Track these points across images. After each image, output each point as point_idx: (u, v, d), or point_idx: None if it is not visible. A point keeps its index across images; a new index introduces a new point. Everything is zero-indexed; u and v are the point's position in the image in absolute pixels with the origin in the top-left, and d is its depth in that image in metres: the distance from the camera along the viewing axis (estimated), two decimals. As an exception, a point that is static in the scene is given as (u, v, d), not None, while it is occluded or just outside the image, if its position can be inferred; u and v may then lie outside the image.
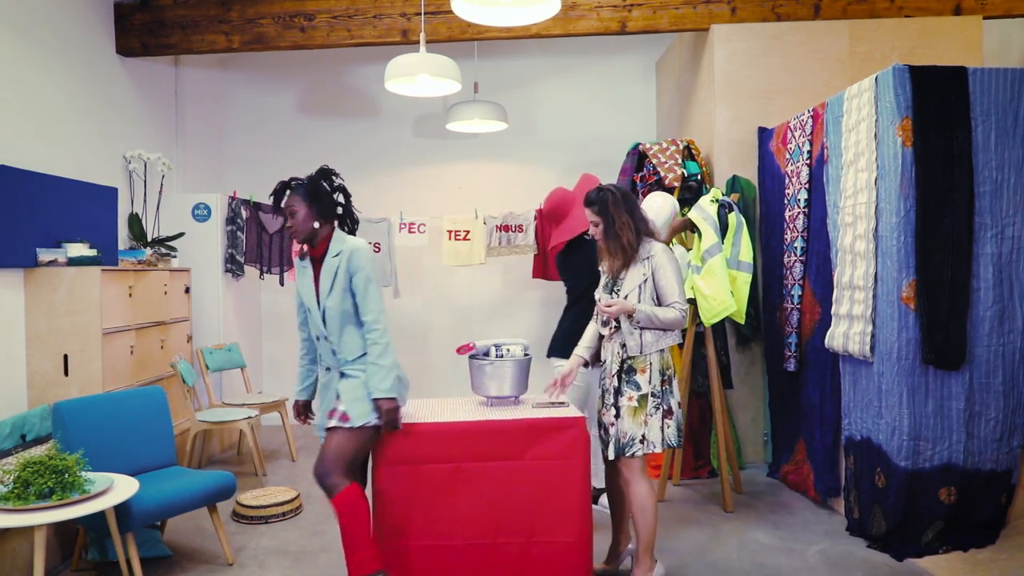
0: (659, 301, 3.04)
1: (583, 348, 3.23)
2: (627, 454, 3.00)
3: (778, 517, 4.01)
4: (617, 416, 3.03)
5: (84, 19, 4.80)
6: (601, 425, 3.11)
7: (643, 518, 3.03)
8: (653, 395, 3.00)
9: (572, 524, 2.93)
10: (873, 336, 3.53)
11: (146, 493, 3.13)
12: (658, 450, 3.00)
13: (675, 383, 3.07)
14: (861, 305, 3.60)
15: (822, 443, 4.13)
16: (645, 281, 3.03)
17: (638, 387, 3.01)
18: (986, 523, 3.50)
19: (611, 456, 3.04)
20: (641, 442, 2.98)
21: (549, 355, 3.82)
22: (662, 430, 3.00)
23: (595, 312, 3.17)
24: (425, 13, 4.93)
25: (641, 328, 3.00)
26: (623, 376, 3.03)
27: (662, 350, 3.04)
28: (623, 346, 3.03)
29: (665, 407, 3.02)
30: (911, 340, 3.41)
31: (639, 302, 3.00)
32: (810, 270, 4.23)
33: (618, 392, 3.04)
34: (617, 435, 3.02)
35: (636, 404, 3.00)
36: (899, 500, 3.43)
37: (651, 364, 3.01)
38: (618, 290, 3.07)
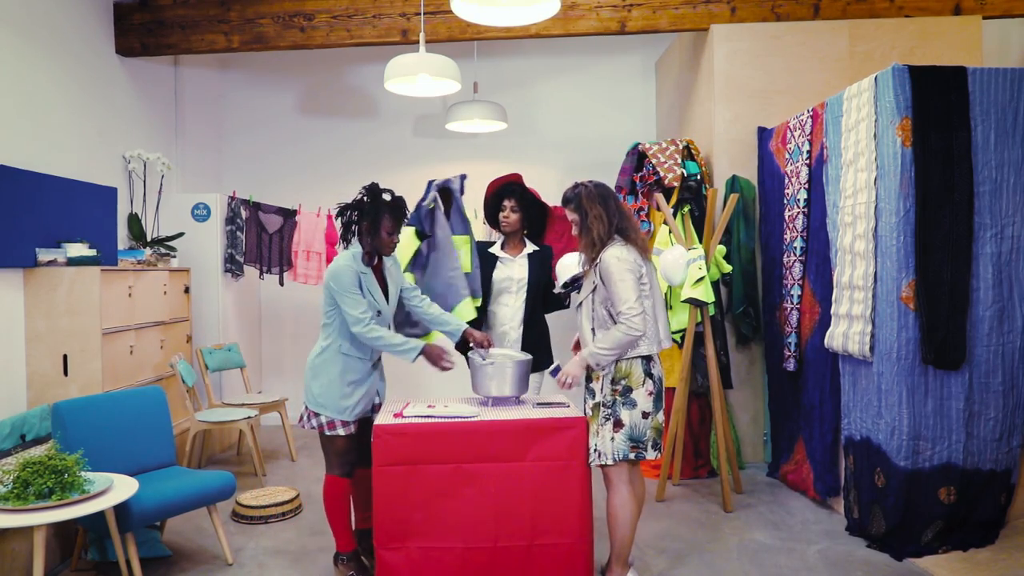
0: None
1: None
2: (588, 462, 2.97)
3: (778, 517, 4.01)
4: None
5: (83, 19, 4.79)
6: None
7: (617, 528, 2.99)
8: (604, 404, 2.94)
9: (573, 525, 2.93)
10: (873, 336, 3.53)
11: (145, 493, 3.13)
12: (608, 462, 2.92)
13: (637, 393, 2.92)
14: (861, 305, 3.60)
15: (822, 443, 4.13)
16: (595, 289, 2.95)
17: (592, 395, 2.98)
18: (986, 523, 3.50)
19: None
20: (596, 453, 2.94)
21: None
22: (611, 441, 2.92)
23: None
24: (425, 13, 4.93)
25: (603, 360, 2.89)
26: (585, 383, 3.03)
27: (620, 359, 2.92)
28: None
29: (615, 418, 2.92)
30: (911, 340, 3.41)
31: (592, 311, 2.95)
32: (810, 270, 4.23)
33: (584, 399, 3.04)
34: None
35: (591, 413, 2.97)
36: (899, 500, 3.43)
37: (603, 372, 2.94)
38: (577, 300, 3.07)
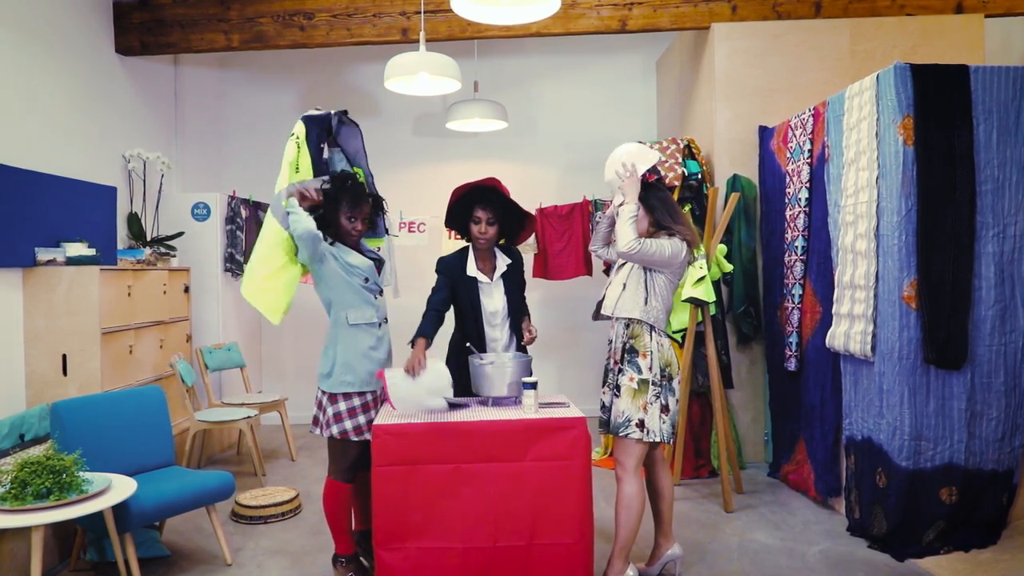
0: (664, 280, 3.07)
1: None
2: (620, 434, 2.99)
3: (779, 517, 4.00)
4: (617, 394, 3.04)
5: (83, 18, 4.79)
6: (602, 405, 3.14)
7: (626, 518, 3.00)
8: (654, 383, 2.98)
9: (573, 526, 2.91)
10: (874, 335, 3.52)
11: (144, 493, 3.12)
12: (656, 439, 2.98)
13: (676, 383, 3.05)
14: (862, 304, 3.58)
15: (823, 443, 4.11)
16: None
17: (639, 370, 2.99)
18: (987, 523, 3.48)
19: (609, 432, 3.08)
20: (639, 427, 2.96)
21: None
22: (660, 422, 2.99)
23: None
24: (425, 12, 4.91)
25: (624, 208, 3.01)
26: (625, 356, 3.04)
27: (661, 344, 3.01)
28: (626, 326, 3.05)
29: (663, 402, 3.00)
30: (912, 339, 3.39)
31: (644, 279, 3.04)
32: (811, 269, 4.21)
33: (620, 372, 3.05)
34: (615, 413, 3.03)
35: (636, 387, 2.99)
36: (900, 500, 3.42)
37: (651, 352, 3.00)
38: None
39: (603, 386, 3.17)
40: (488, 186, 3.32)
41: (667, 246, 2.99)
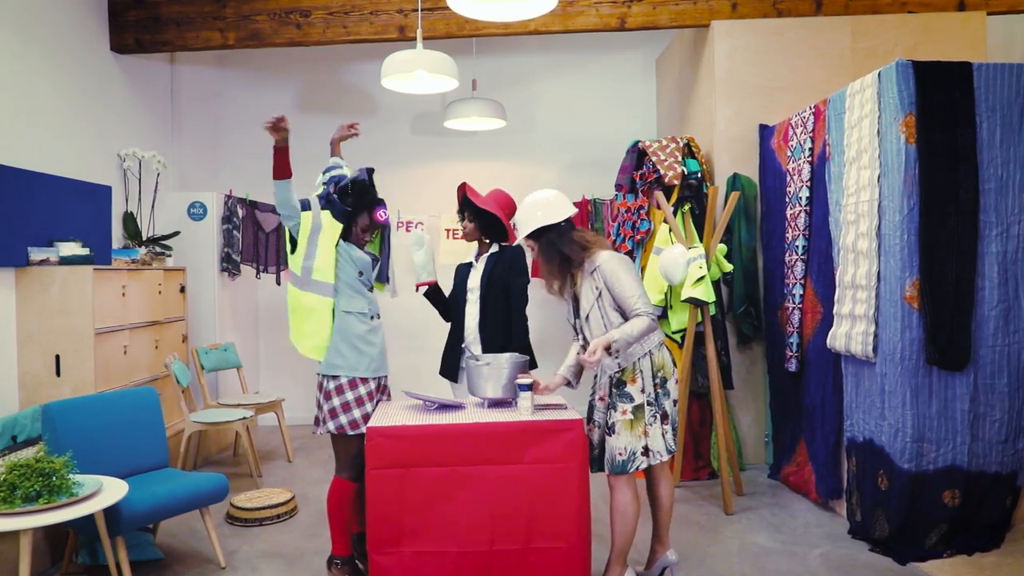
0: (621, 311, 2.92)
1: (567, 368, 3.12)
2: (629, 470, 2.90)
3: (779, 519, 3.96)
4: (611, 433, 2.94)
5: (78, 15, 4.75)
6: (590, 442, 3.02)
7: (621, 524, 2.97)
8: (649, 403, 2.91)
9: (570, 529, 2.87)
10: (876, 336, 3.48)
11: (136, 496, 3.08)
12: (665, 458, 2.93)
13: (671, 383, 2.97)
14: (864, 304, 3.54)
15: (824, 444, 4.07)
16: (600, 295, 2.93)
17: (631, 399, 2.91)
18: (991, 526, 3.44)
19: (607, 470, 2.96)
20: (645, 454, 2.89)
21: None
22: (663, 436, 2.93)
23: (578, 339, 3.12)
24: (422, 9, 4.88)
25: (625, 346, 2.86)
26: (614, 391, 2.94)
27: (649, 352, 2.93)
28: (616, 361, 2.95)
29: (661, 412, 2.94)
30: (914, 340, 3.35)
31: (603, 318, 2.91)
32: (812, 269, 4.17)
33: (611, 408, 2.95)
34: (612, 453, 2.92)
35: (632, 416, 2.90)
36: (902, 503, 3.38)
37: (641, 372, 2.91)
38: (580, 314, 3.00)
39: (588, 423, 3.03)
40: (459, 192, 3.67)
41: (622, 277, 2.88)
